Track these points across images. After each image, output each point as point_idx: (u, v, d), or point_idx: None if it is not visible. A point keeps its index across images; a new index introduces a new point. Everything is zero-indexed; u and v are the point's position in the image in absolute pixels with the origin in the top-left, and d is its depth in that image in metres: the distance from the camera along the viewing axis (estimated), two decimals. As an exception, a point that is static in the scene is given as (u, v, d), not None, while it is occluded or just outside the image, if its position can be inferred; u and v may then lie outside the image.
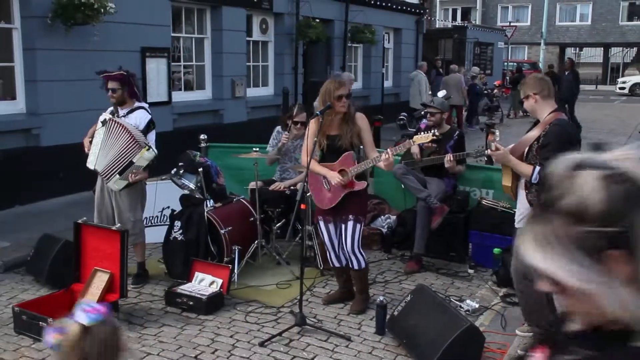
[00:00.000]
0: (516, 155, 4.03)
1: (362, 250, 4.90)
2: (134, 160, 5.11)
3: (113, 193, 5.36)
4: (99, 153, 5.25)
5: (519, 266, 4.17)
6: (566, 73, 16.10)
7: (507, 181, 4.16)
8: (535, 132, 4.01)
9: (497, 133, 4.29)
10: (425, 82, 15.22)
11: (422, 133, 4.81)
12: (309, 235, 5.89)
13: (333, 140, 4.77)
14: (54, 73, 8.11)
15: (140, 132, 5.23)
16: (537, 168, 3.88)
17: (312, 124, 4.82)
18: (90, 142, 5.37)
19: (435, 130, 4.82)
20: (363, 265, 4.89)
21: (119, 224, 5.28)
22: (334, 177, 4.71)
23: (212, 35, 11.26)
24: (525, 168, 3.96)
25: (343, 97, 4.66)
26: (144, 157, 5.11)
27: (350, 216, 4.77)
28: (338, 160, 4.78)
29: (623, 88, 31.34)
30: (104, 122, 5.24)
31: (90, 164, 5.32)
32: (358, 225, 4.80)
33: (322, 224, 4.94)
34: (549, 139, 3.87)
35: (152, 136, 5.38)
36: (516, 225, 4.28)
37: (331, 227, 4.91)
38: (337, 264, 5.04)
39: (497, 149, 4.06)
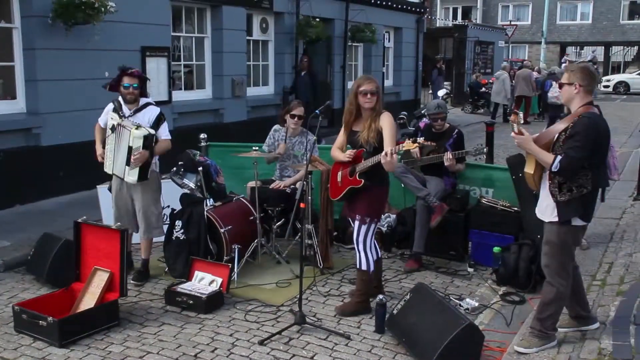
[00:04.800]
0: (539, 145, 3.97)
1: (371, 253, 4.86)
2: (130, 145, 5.13)
3: (136, 189, 5.40)
4: (114, 158, 5.30)
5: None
6: (302, 74, 12.95)
7: (529, 168, 4.07)
8: (563, 124, 3.97)
9: (521, 115, 4.16)
10: (508, 81, 17.81)
11: (407, 140, 4.69)
12: (308, 234, 5.89)
13: (353, 136, 4.87)
14: (54, 72, 8.12)
15: (151, 127, 5.28)
16: (559, 157, 3.82)
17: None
18: (103, 151, 5.42)
19: (419, 138, 4.69)
20: (364, 266, 4.86)
21: (142, 219, 5.42)
22: (345, 156, 4.84)
23: (212, 35, 11.27)
24: (545, 156, 3.90)
25: (368, 94, 4.71)
26: (136, 136, 5.12)
27: (357, 216, 4.83)
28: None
29: (607, 86, 32.14)
30: (113, 129, 5.25)
31: (108, 168, 5.39)
32: (363, 226, 4.80)
33: (348, 218, 5.07)
34: (577, 129, 3.83)
35: (164, 128, 5.44)
36: (538, 216, 4.17)
37: (350, 221, 4.99)
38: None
39: (520, 132, 3.96)
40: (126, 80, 5.27)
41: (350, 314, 4.88)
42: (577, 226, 4.01)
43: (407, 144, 4.46)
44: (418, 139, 4.55)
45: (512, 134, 4.01)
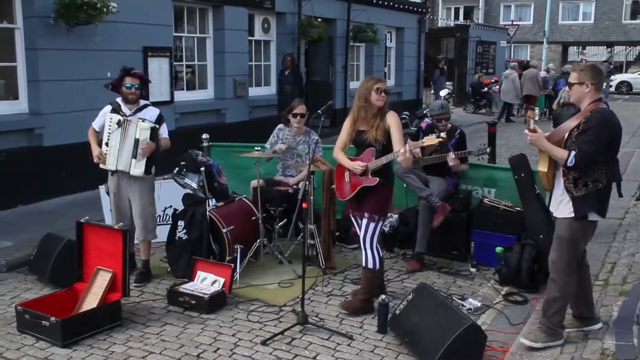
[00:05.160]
0: (552, 142, 3.98)
1: (377, 251, 4.87)
2: (137, 137, 5.20)
3: (133, 189, 5.41)
4: (118, 153, 5.30)
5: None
6: (286, 73, 12.61)
7: (543, 167, 4.09)
8: (574, 121, 3.98)
9: (537, 111, 4.17)
10: (517, 80, 18.34)
11: (431, 135, 4.76)
12: (311, 234, 5.89)
13: (360, 135, 4.86)
14: (56, 73, 8.12)
15: None
16: (573, 152, 3.83)
17: (347, 119, 4.96)
18: (101, 151, 5.39)
19: (441, 133, 4.78)
20: (370, 265, 4.88)
21: (139, 220, 5.44)
22: (354, 166, 4.79)
23: (214, 35, 11.27)
24: (560, 152, 3.92)
25: (382, 92, 4.74)
26: (142, 127, 5.19)
27: (366, 214, 4.83)
28: (360, 156, 4.87)
29: (610, 86, 31.88)
30: (119, 124, 5.26)
31: (111, 165, 5.35)
32: (372, 224, 4.81)
33: (351, 217, 5.05)
34: (590, 124, 3.85)
35: (164, 128, 5.49)
36: (553, 212, 4.19)
37: (356, 220, 4.98)
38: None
39: (534, 130, 3.99)
40: (128, 81, 5.30)
41: (353, 311, 4.89)
42: (591, 222, 4.02)
43: (429, 139, 4.49)
44: (441, 134, 4.58)
45: (526, 131, 4.02)
